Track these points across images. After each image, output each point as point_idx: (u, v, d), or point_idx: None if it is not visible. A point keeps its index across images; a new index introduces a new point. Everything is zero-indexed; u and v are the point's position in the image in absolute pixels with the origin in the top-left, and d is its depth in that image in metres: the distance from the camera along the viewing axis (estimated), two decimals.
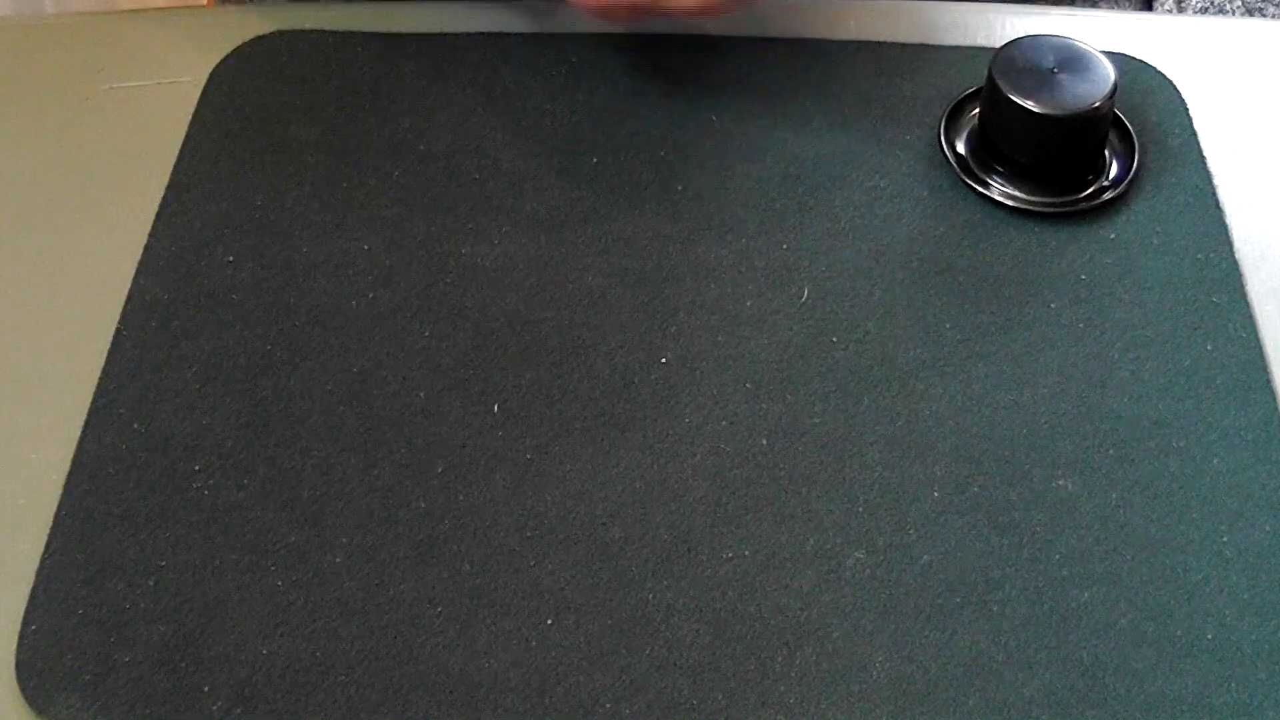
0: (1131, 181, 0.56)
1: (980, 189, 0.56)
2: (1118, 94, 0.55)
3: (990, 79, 0.55)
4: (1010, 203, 0.56)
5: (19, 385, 0.52)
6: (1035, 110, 0.54)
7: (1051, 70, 0.55)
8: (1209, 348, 0.51)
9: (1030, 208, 0.56)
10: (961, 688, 0.43)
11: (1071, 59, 0.56)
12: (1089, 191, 0.56)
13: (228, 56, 0.62)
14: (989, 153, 0.57)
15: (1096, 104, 0.54)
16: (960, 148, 0.58)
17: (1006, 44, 0.56)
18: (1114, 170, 0.57)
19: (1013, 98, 0.54)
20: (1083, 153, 0.57)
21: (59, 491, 0.49)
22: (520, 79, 0.61)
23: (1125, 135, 0.58)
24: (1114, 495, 0.48)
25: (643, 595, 0.46)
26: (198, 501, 0.48)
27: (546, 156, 0.58)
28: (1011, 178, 0.56)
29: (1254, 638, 0.44)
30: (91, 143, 0.60)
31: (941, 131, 0.58)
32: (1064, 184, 0.56)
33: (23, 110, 0.62)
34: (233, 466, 0.49)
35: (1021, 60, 0.56)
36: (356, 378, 0.51)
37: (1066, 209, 0.56)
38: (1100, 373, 0.51)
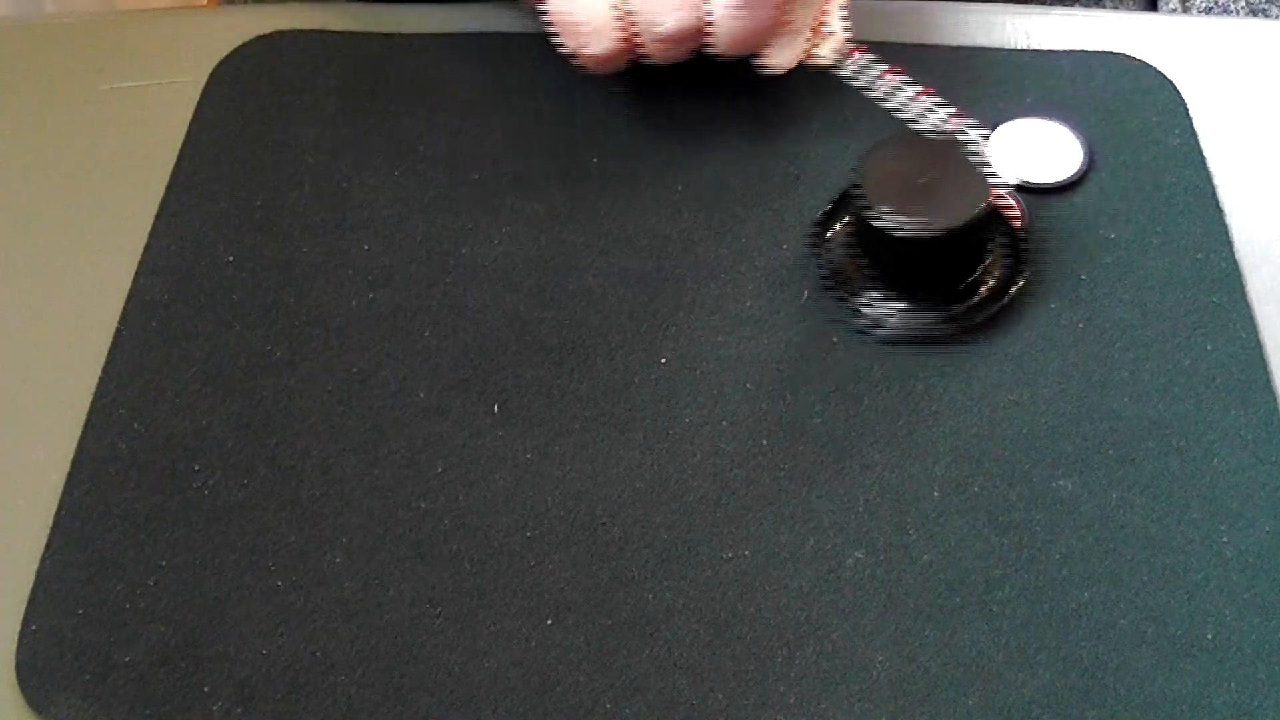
0: (1016, 289, 0.52)
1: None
2: (997, 201, 0.51)
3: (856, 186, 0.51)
4: (875, 324, 0.52)
5: (19, 385, 0.52)
6: (885, 231, 0.49)
7: (920, 183, 0.50)
8: (1209, 348, 0.51)
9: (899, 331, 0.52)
10: (961, 688, 0.43)
11: (948, 162, 0.51)
12: (966, 306, 0.52)
13: (228, 56, 0.62)
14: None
15: (959, 224, 0.49)
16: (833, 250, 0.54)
17: (878, 143, 0.51)
18: (995, 277, 0.53)
19: (866, 215, 0.50)
20: (954, 269, 0.52)
21: (59, 491, 0.49)
22: (520, 79, 0.61)
23: (1010, 235, 0.53)
24: (1114, 495, 0.47)
25: (643, 595, 0.46)
26: (198, 501, 0.48)
27: (546, 156, 0.58)
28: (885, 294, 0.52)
29: (1254, 638, 0.44)
30: (91, 143, 0.60)
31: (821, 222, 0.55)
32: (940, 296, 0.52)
33: (23, 110, 0.62)
34: (233, 466, 0.49)
35: (889, 163, 0.51)
36: (356, 378, 0.51)
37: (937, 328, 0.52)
38: (1100, 373, 0.51)
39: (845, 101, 0.60)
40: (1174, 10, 0.73)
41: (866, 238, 0.51)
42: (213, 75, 0.62)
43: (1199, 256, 0.54)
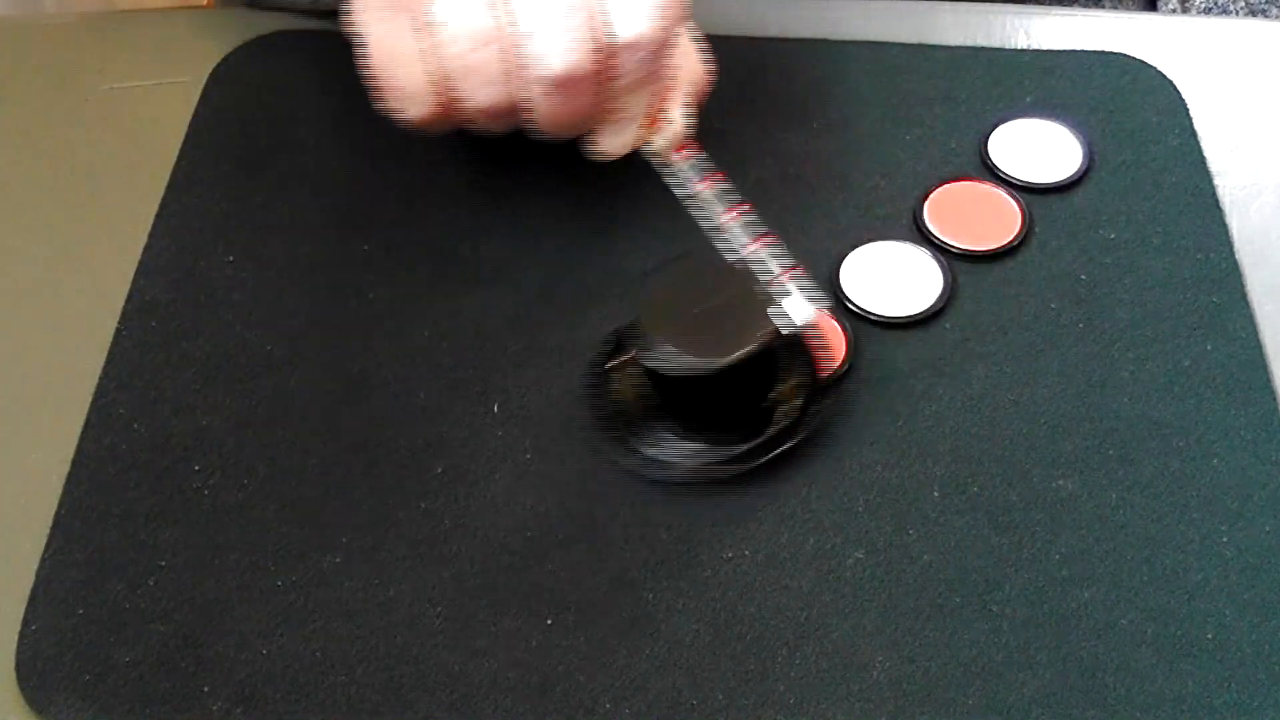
0: (815, 423, 0.49)
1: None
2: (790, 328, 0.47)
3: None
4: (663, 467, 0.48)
5: (19, 385, 0.52)
6: (655, 370, 0.46)
7: (698, 314, 0.47)
8: (1209, 348, 0.51)
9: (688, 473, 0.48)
10: (961, 688, 0.43)
11: (732, 291, 0.47)
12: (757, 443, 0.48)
13: (228, 56, 0.62)
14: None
15: (727, 362, 0.45)
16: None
17: (659, 269, 0.48)
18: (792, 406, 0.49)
19: (636, 349, 0.47)
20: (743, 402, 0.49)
21: (59, 491, 0.49)
22: None
23: (802, 355, 0.50)
24: (1114, 495, 0.47)
25: (643, 595, 0.46)
26: (198, 501, 0.48)
27: (546, 157, 0.58)
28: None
29: (1254, 638, 0.44)
30: (91, 143, 0.60)
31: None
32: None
33: (23, 110, 0.62)
34: (233, 466, 0.49)
35: (668, 292, 0.47)
36: (356, 378, 0.51)
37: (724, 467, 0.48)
38: (1100, 373, 0.51)
39: (845, 101, 0.60)
40: (1173, 10, 0.73)
41: (646, 373, 0.48)
42: (213, 75, 0.62)
43: (1199, 256, 0.54)
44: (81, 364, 0.52)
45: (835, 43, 0.62)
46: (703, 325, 0.46)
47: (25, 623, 0.45)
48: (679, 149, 0.53)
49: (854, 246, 0.55)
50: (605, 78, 0.49)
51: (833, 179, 0.57)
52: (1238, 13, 0.76)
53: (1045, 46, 0.62)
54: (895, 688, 0.43)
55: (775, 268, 0.50)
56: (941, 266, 0.54)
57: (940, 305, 0.53)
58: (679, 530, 0.47)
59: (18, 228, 0.57)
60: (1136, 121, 0.59)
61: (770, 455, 0.48)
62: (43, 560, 0.47)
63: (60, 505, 0.48)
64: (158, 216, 0.57)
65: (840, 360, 0.51)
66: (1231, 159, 0.58)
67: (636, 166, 0.57)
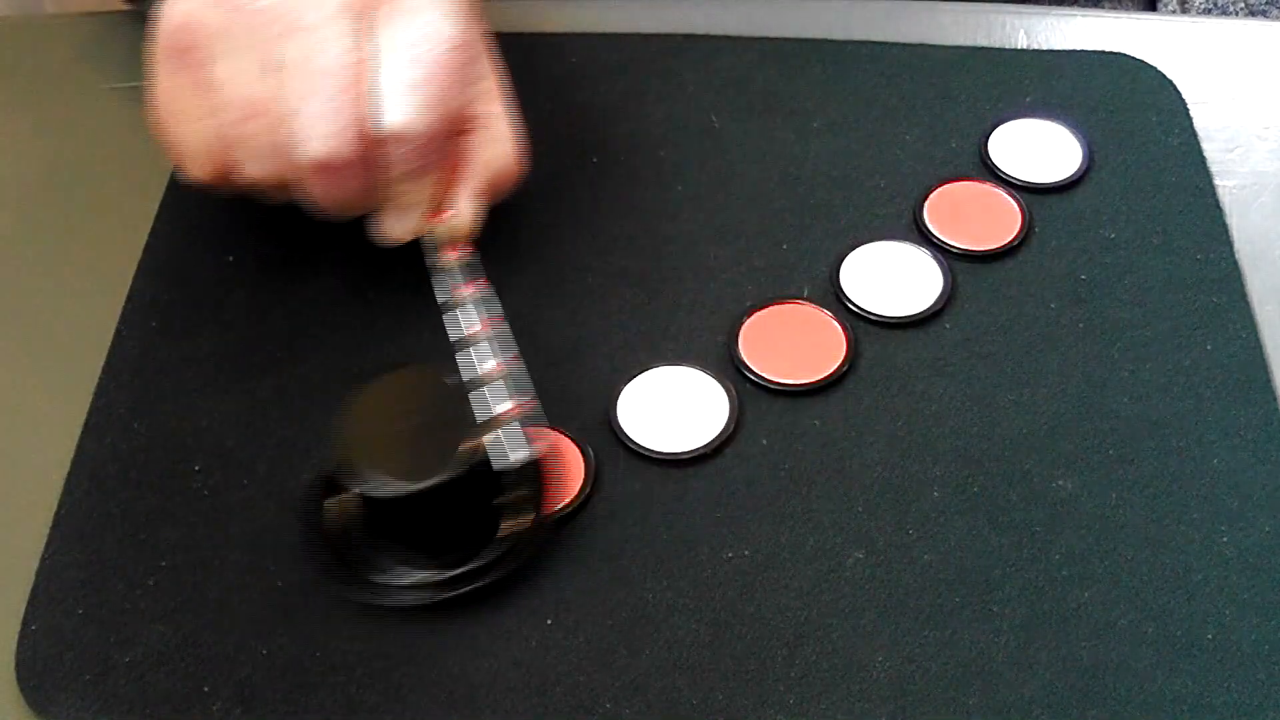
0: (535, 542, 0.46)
1: None
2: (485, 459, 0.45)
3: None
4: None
5: (19, 385, 0.52)
6: (364, 493, 0.44)
7: (402, 429, 0.45)
8: (1209, 348, 0.51)
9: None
10: (961, 688, 0.43)
11: (442, 408, 0.45)
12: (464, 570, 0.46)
13: None
14: None
15: (427, 484, 0.43)
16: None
17: (366, 386, 0.46)
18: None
19: (338, 471, 0.44)
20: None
21: (59, 491, 0.49)
22: (521, 79, 0.61)
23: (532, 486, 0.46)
24: (1114, 495, 0.47)
25: (643, 595, 0.46)
26: (198, 501, 0.48)
27: (547, 156, 0.58)
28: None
29: (1254, 638, 0.44)
30: (91, 143, 0.60)
31: None
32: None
33: (23, 110, 0.62)
34: (233, 466, 0.49)
35: (380, 403, 0.45)
36: (357, 378, 0.51)
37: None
38: (1100, 373, 0.51)
39: (845, 101, 0.60)
40: (1173, 11, 0.73)
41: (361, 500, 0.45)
42: None
43: (1199, 256, 0.54)
44: (81, 364, 0.52)
45: (835, 43, 0.62)
46: (407, 444, 0.44)
47: (25, 623, 0.45)
48: (452, 248, 0.50)
49: (854, 246, 0.55)
50: (373, 165, 0.47)
51: (833, 179, 0.57)
52: (1237, 14, 0.76)
53: (1045, 46, 0.62)
54: (895, 688, 0.43)
55: (505, 400, 0.46)
56: (941, 266, 0.54)
57: (940, 305, 0.53)
58: (679, 530, 0.47)
59: (18, 228, 0.57)
60: (1136, 121, 0.59)
61: (473, 586, 0.45)
62: (43, 560, 0.47)
63: (60, 505, 0.48)
64: (157, 216, 0.57)
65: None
66: (1231, 159, 0.58)
67: (637, 166, 0.56)
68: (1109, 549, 0.46)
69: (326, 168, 0.47)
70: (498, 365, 0.47)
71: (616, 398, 0.50)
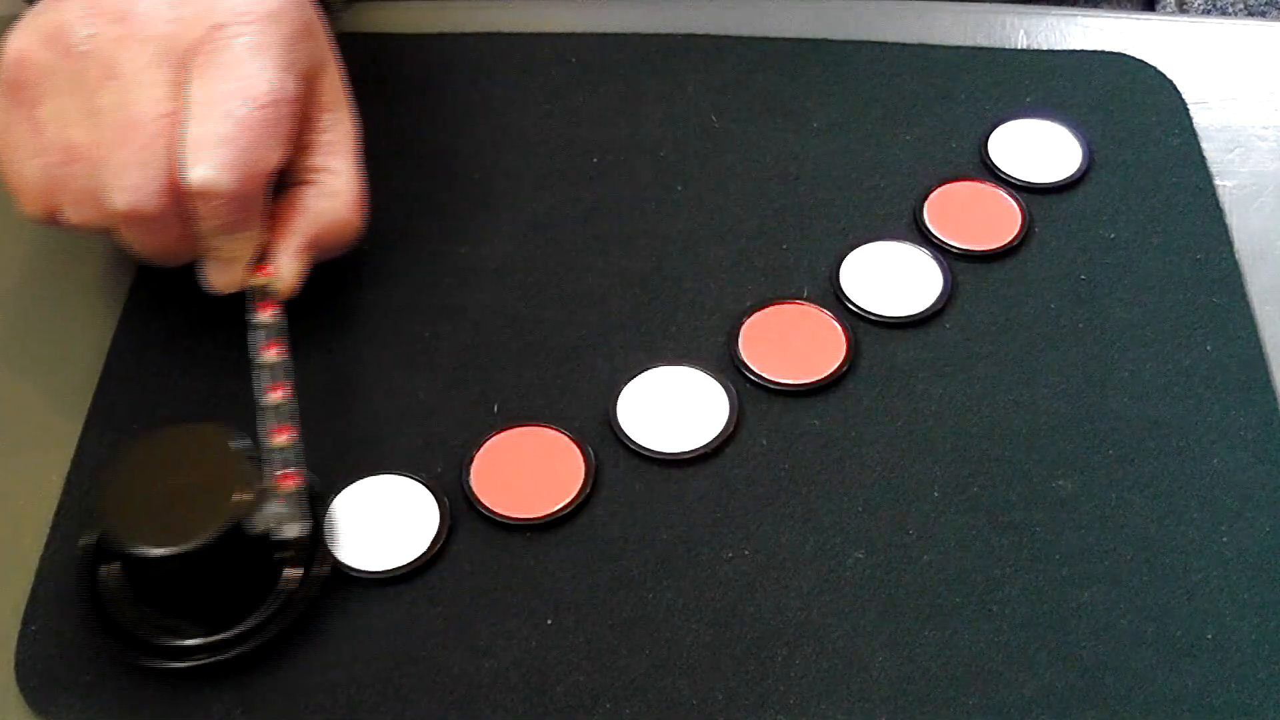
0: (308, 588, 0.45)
1: None
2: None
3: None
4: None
5: (19, 385, 0.52)
6: (131, 556, 0.42)
7: (166, 488, 0.43)
8: (1209, 348, 0.51)
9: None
10: (961, 688, 0.43)
11: (208, 461, 0.44)
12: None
13: None
14: None
15: (193, 545, 0.42)
16: None
17: (128, 442, 0.45)
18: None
19: (99, 529, 0.43)
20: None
21: (59, 491, 0.49)
22: (520, 79, 0.61)
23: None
24: (1114, 495, 0.47)
25: (643, 595, 0.46)
26: None
27: (546, 156, 0.58)
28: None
29: (1254, 638, 0.44)
30: None
31: None
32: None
33: None
34: None
35: (147, 459, 0.44)
36: (356, 377, 0.51)
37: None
38: (1100, 373, 0.51)
39: (845, 101, 0.60)
40: (1171, 11, 0.73)
41: (128, 567, 0.44)
42: None
43: (1199, 256, 0.54)
44: (81, 364, 0.52)
45: (835, 43, 0.62)
46: (169, 504, 0.43)
47: (25, 623, 0.45)
48: (264, 305, 0.49)
49: (854, 246, 0.55)
50: (186, 217, 0.47)
51: (833, 179, 0.57)
52: (1236, 14, 0.76)
53: (1045, 46, 0.62)
54: (895, 688, 0.43)
55: (278, 469, 0.45)
56: (941, 266, 0.54)
57: (940, 305, 0.53)
58: (679, 530, 0.47)
59: (18, 227, 0.57)
60: (1136, 121, 0.59)
61: (246, 647, 0.44)
62: (42, 560, 0.47)
63: (60, 505, 0.48)
64: None
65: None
66: (1231, 159, 0.58)
67: (637, 166, 0.56)
68: (1109, 549, 0.46)
69: (134, 218, 0.46)
70: (281, 432, 0.46)
71: (616, 398, 0.50)
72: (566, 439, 0.49)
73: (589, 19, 0.63)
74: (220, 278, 0.49)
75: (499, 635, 0.45)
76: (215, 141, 0.45)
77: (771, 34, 0.63)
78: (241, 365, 0.51)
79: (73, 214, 0.48)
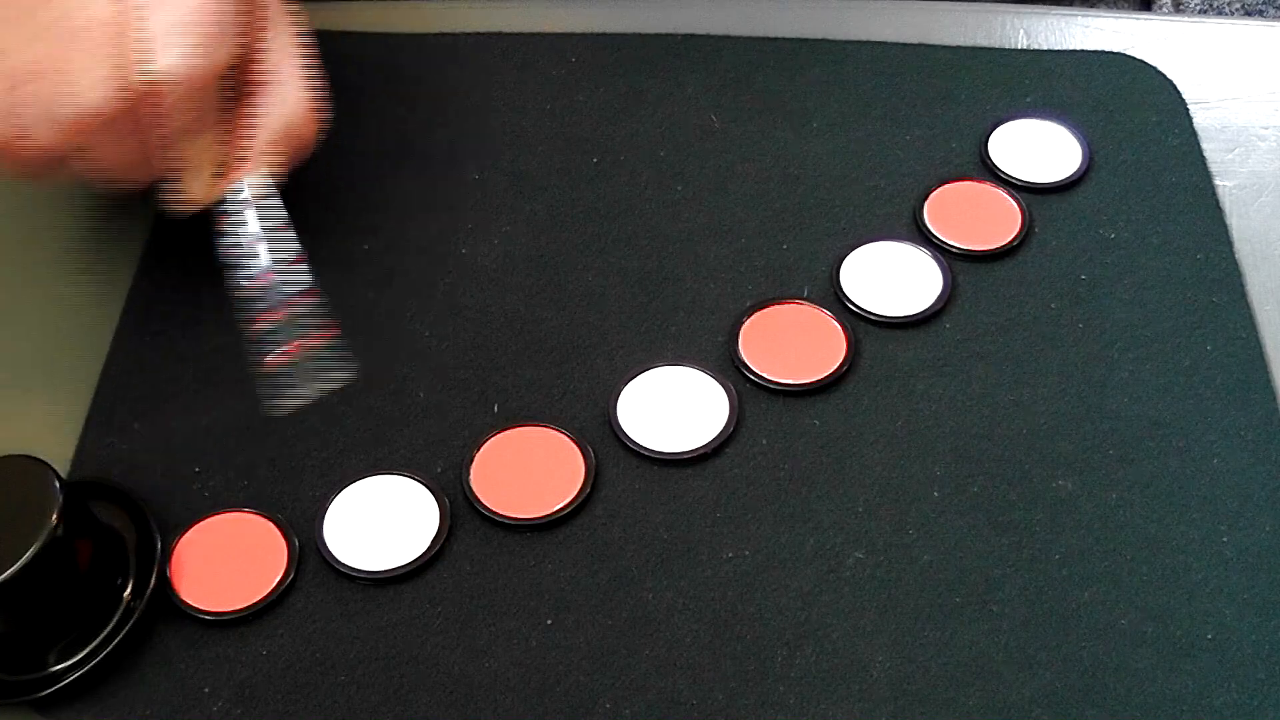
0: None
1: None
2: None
3: None
4: None
5: (19, 385, 0.52)
6: None
7: None
8: (1209, 348, 0.51)
9: None
10: (961, 688, 0.43)
11: (23, 493, 0.43)
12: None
13: None
14: None
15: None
16: None
17: None
18: None
19: None
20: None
21: None
22: (520, 79, 0.61)
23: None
24: (1114, 495, 0.48)
25: (643, 595, 0.46)
26: (197, 502, 0.48)
27: (546, 156, 0.58)
28: None
29: (1254, 638, 0.44)
30: None
31: None
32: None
33: None
34: (233, 466, 0.49)
35: None
36: (356, 377, 0.51)
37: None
38: (1100, 373, 0.51)
39: (845, 101, 0.60)
40: (1167, 11, 0.73)
41: None
42: None
43: (1199, 256, 0.54)
44: (81, 364, 0.52)
45: (835, 43, 0.62)
46: None
47: None
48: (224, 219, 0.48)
49: (854, 246, 0.55)
50: (147, 118, 0.46)
51: (833, 179, 0.57)
52: (1233, 13, 0.76)
53: (1045, 46, 0.62)
54: (895, 688, 0.43)
55: (300, 335, 0.47)
56: (941, 266, 0.54)
57: (940, 305, 0.53)
58: (679, 530, 0.47)
59: (18, 227, 0.57)
60: (1136, 121, 0.59)
61: (69, 680, 0.43)
62: None
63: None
64: (158, 217, 0.57)
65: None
66: (1231, 159, 0.58)
67: (637, 166, 0.56)
68: (1109, 549, 0.46)
69: (95, 124, 0.46)
70: (299, 300, 0.47)
71: (616, 398, 0.50)
72: (566, 439, 0.49)
73: (589, 19, 0.63)
74: (186, 189, 0.49)
75: (499, 635, 0.45)
76: (172, 29, 0.45)
77: (771, 34, 0.63)
78: (241, 365, 0.51)
79: (38, 135, 0.47)
